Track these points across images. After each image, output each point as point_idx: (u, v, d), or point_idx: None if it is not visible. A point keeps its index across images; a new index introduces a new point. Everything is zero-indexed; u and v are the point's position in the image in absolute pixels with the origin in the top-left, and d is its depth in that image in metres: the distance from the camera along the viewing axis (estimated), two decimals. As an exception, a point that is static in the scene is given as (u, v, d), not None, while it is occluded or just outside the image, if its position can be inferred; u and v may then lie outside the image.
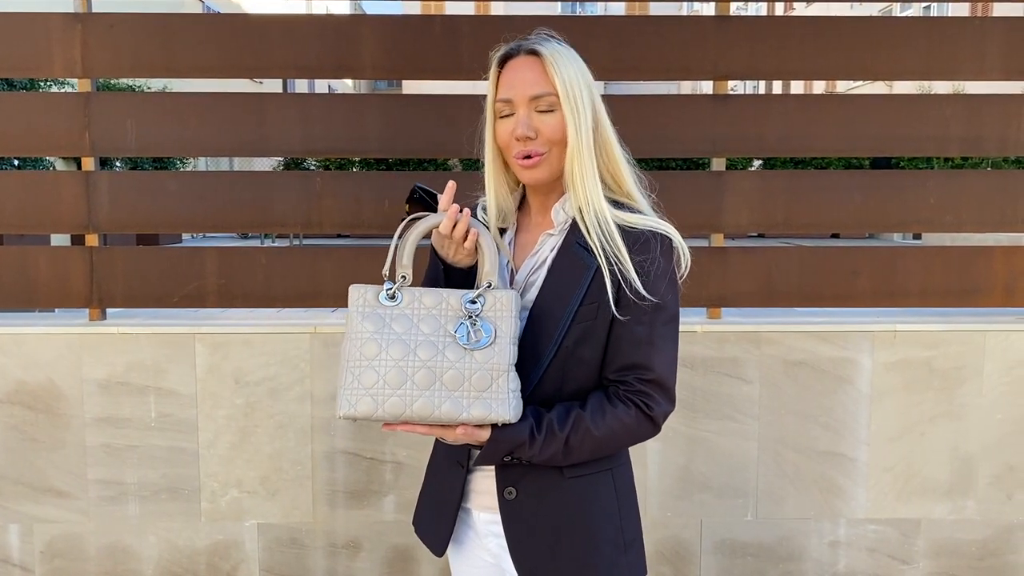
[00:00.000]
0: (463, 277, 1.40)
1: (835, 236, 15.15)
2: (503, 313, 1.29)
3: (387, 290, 1.29)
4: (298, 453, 2.81)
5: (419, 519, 1.58)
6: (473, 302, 1.28)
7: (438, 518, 1.50)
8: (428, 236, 1.39)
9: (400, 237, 1.33)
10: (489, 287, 1.30)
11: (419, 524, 1.57)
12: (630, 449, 1.49)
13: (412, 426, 1.26)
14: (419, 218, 1.34)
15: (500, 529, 1.41)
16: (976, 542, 2.88)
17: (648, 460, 2.81)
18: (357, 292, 1.29)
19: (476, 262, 1.38)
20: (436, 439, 1.52)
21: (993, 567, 2.89)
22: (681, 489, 2.84)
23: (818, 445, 2.84)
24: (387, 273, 1.31)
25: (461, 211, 1.33)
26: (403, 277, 1.30)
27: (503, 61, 1.39)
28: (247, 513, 2.83)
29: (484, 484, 1.43)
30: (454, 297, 1.29)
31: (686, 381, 2.80)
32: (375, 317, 1.27)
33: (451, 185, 1.34)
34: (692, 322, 2.82)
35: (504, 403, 1.25)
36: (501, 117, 1.38)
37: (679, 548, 2.86)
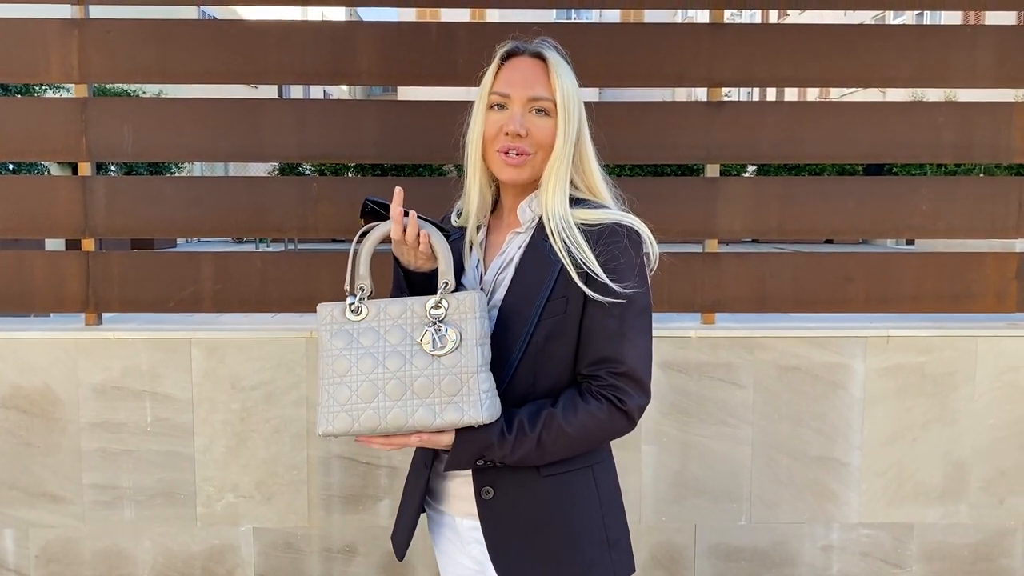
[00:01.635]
0: (428, 282, 1.41)
1: (829, 242, 15.18)
2: (467, 315, 1.29)
3: (350, 305, 1.30)
4: (294, 458, 2.81)
5: (394, 528, 1.59)
6: (436, 307, 1.29)
7: (402, 520, 1.52)
8: (389, 243, 1.40)
9: (355, 251, 1.33)
10: (446, 287, 1.31)
11: (393, 532, 1.58)
12: (624, 452, 1.50)
13: (368, 439, 1.28)
14: (370, 229, 1.35)
15: (482, 535, 1.41)
16: (968, 546, 2.90)
17: (642, 465, 2.82)
18: (324, 310, 1.31)
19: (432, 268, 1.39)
20: (416, 450, 1.53)
21: (985, 571, 2.91)
22: (675, 494, 2.85)
23: (811, 450, 2.85)
24: (348, 288, 1.32)
25: (407, 215, 1.33)
26: (361, 288, 1.31)
27: (507, 56, 1.41)
28: (243, 517, 2.83)
29: (464, 489, 1.43)
30: (418, 304, 1.30)
31: (680, 386, 2.81)
32: (343, 333, 1.28)
33: (398, 191, 1.34)
34: (686, 327, 2.84)
35: (476, 405, 1.26)
36: (492, 108, 1.39)
37: (673, 553, 2.86)
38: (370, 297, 1.32)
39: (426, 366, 1.26)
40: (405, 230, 1.33)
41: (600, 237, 1.35)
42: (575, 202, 1.40)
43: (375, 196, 1.42)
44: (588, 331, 1.35)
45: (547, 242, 1.36)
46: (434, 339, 1.27)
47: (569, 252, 1.33)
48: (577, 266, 1.33)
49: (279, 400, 2.80)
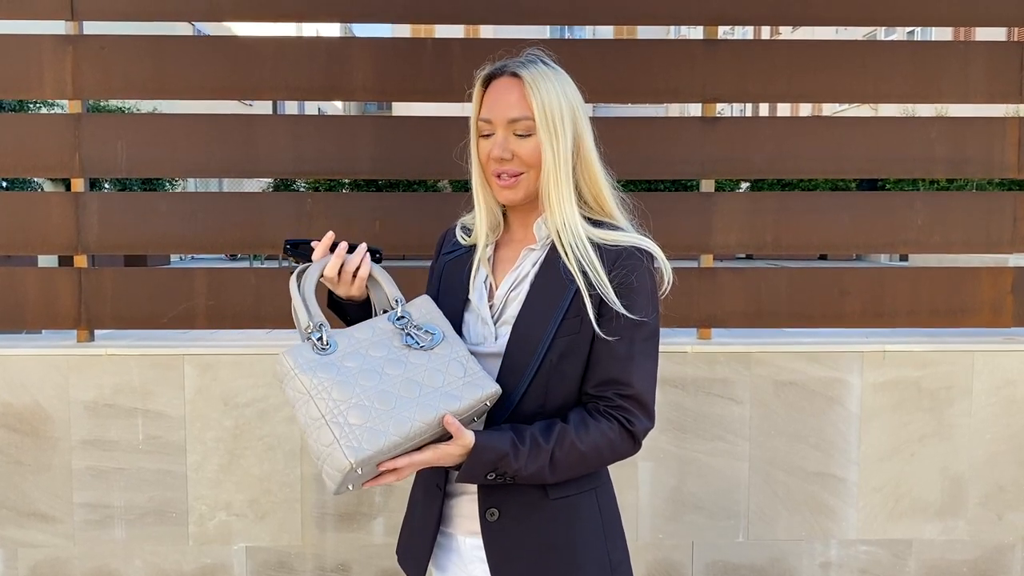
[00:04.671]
0: (360, 310, 1.45)
1: (823, 257, 15.22)
2: (433, 315, 1.35)
3: (317, 340, 1.27)
4: (287, 475, 2.79)
5: (400, 547, 1.56)
6: (400, 318, 1.33)
7: (417, 543, 1.48)
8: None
9: (301, 294, 1.33)
10: (398, 302, 1.36)
11: (400, 552, 1.55)
12: (620, 468, 1.49)
13: (391, 465, 1.24)
14: (305, 269, 1.37)
15: (486, 556, 1.39)
16: (967, 562, 2.88)
17: (639, 481, 2.80)
18: (292, 355, 1.25)
19: (367, 294, 1.44)
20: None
21: (984, 588, 2.89)
22: (672, 510, 2.83)
23: (808, 465, 2.84)
24: (308, 327, 1.29)
25: (341, 250, 1.38)
26: (321, 325, 1.29)
27: (487, 80, 1.40)
28: (235, 536, 2.80)
29: (468, 508, 1.41)
30: (382, 322, 1.34)
31: (677, 402, 2.80)
32: (327, 366, 1.24)
33: (330, 235, 1.40)
34: (683, 343, 2.83)
35: (485, 379, 1.29)
36: (482, 136, 1.40)
37: (670, 570, 2.84)
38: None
39: (427, 361, 1.28)
40: (343, 267, 1.38)
41: (617, 259, 1.34)
42: (591, 223, 1.39)
43: (293, 237, 1.49)
44: (598, 352, 1.34)
45: (562, 260, 1.36)
46: (416, 338, 1.30)
47: (583, 272, 1.33)
48: (590, 287, 1.32)
49: (272, 417, 2.77)
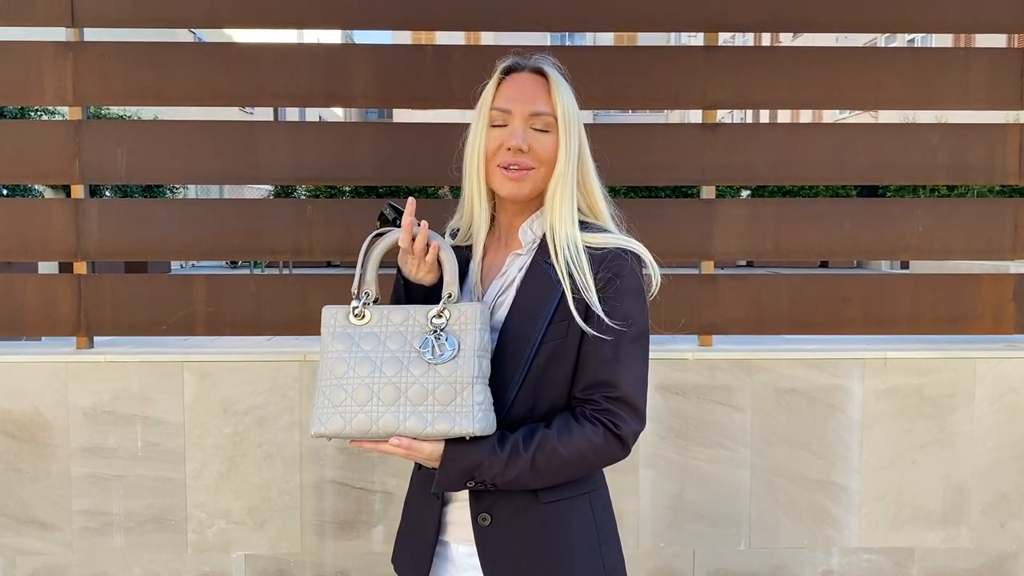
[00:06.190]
0: (427, 296, 1.40)
1: (824, 264, 15.20)
2: (468, 326, 1.29)
3: (353, 309, 1.31)
4: (286, 483, 2.78)
5: (397, 555, 1.54)
6: (438, 316, 1.29)
7: (416, 552, 1.47)
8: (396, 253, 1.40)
9: (365, 255, 1.34)
10: (450, 298, 1.31)
11: (397, 560, 1.54)
12: (622, 476, 1.48)
13: (360, 442, 1.27)
14: (382, 234, 1.35)
15: (479, 562, 1.38)
16: (970, 571, 2.87)
17: (640, 489, 2.79)
18: (329, 313, 1.32)
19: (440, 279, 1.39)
20: (412, 472, 1.50)
21: (987, 596, 2.87)
22: (673, 518, 2.82)
23: (810, 473, 2.83)
24: (355, 291, 1.32)
25: (419, 224, 1.33)
26: (366, 294, 1.32)
27: (507, 72, 1.41)
28: (234, 544, 2.79)
29: (461, 515, 1.40)
30: (420, 313, 1.30)
31: (678, 409, 2.79)
32: (345, 337, 1.29)
33: (411, 201, 1.35)
34: (684, 349, 2.82)
35: (468, 416, 1.24)
36: (493, 126, 1.38)
37: (672, 578, 2.83)
38: (375, 303, 1.32)
39: (422, 374, 1.26)
40: (414, 240, 1.33)
41: (603, 261, 1.33)
42: (580, 225, 1.38)
43: (395, 202, 1.42)
44: (585, 355, 1.33)
45: (549, 264, 1.35)
46: (432, 347, 1.27)
47: (571, 275, 1.32)
48: (575, 291, 1.32)
49: (272, 424, 2.76)
